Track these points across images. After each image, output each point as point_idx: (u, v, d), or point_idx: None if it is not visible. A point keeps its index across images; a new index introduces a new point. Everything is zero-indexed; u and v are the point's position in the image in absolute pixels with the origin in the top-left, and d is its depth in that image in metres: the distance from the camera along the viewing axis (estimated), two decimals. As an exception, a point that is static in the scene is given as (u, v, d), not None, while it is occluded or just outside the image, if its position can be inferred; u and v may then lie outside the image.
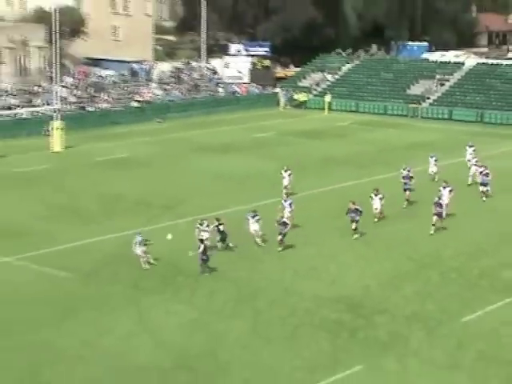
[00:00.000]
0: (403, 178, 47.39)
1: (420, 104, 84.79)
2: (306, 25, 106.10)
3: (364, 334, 30.08)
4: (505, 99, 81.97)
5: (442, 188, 44.10)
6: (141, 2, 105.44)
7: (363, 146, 66.95)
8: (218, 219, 38.90)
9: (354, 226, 40.69)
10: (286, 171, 49.33)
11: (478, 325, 31.05)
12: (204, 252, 35.78)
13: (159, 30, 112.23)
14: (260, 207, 42.27)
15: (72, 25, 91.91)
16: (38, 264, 37.21)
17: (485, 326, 30.94)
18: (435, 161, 53.26)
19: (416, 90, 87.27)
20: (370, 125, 78.06)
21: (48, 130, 65.55)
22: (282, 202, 42.53)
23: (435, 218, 41.57)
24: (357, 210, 40.55)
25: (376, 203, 43.18)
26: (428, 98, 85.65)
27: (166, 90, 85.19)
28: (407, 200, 46.56)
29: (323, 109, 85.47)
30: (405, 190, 46.96)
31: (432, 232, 41.44)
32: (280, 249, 38.85)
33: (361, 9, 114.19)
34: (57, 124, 64.05)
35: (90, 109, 76.42)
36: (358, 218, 40.56)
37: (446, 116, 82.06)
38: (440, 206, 41.76)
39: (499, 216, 45.52)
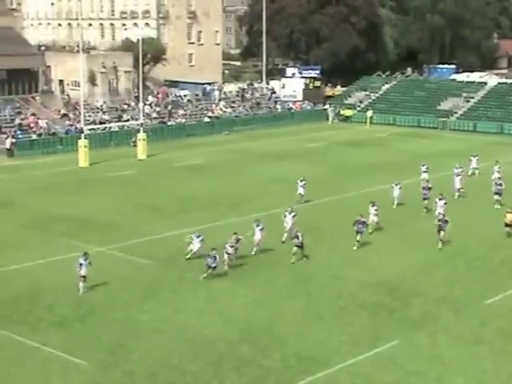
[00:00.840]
0: (423, 188, 45.48)
1: (449, 118, 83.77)
2: (351, 51, 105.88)
3: (400, 314, 29.80)
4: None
5: (437, 200, 41.97)
6: (212, 33, 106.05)
7: (399, 154, 66.30)
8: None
9: (358, 237, 37.40)
10: (301, 181, 46.41)
11: (499, 306, 30.56)
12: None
13: (227, 56, 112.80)
14: (312, 205, 41.90)
15: (154, 52, 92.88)
16: (124, 252, 37.49)
17: (505, 307, 30.44)
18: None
19: (445, 105, 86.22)
20: (405, 136, 77.27)
21: (134, 141, 66.14)
22: (286, 213, 38.91)
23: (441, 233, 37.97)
24: (364, 222, 37.67)
25: (371, 216, 40.14)
26: (455, 113, 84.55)
27: (232, 107, 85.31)
28: (426, 208, 44.50)
29: (365, 122, 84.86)
30: (424, 199, 44.88)
31: (440, 246, 37.86)
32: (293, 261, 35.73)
33: (398, 37, 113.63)
34: (141, 136, 64.50)
35: (169, 123, 76.85)
36: (363, 229, 37.58)
37: (471, 128, 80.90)
38: (439, 220, 38.38)
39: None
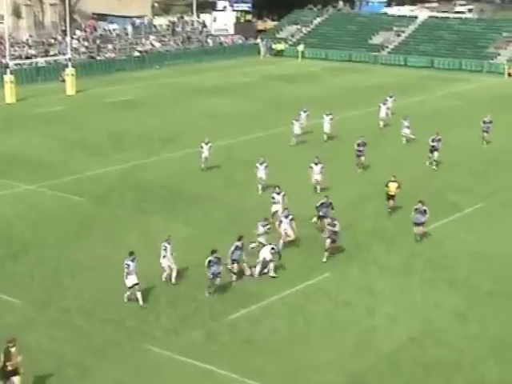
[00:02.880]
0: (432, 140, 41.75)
1: (380, 52, 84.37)
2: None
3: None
4: (452, 48, 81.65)
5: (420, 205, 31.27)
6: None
7: (331, 89, 66.74)
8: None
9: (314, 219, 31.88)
10: (261, 163, 37.25)
11: (428, 237, 31.48)
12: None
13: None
14: (242, 141, 42.22)
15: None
16: (55, 190, 37.25)
17: (433, 238, 31.41)
18: (393, 100, 53.46)
19: (376, 40, 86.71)
20: (337, 70, 77.66)
21: (62, 77, 65.07)
22: (274, 195, 32.75)
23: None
24: (331, 203, 31.80)
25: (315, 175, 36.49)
26: (387, 47, 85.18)
27: (162, 41, 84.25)
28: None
29: (297, 57, 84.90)
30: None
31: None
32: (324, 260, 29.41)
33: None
34: (70, 71, 63.39)
35: (98, 58, 75.57)
36: (326, 209, 31.40)
37: (401, 62, 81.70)
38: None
39: (446, 148, 45.66)
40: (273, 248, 27.61)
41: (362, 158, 40.67)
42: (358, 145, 40.60)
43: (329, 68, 79.09)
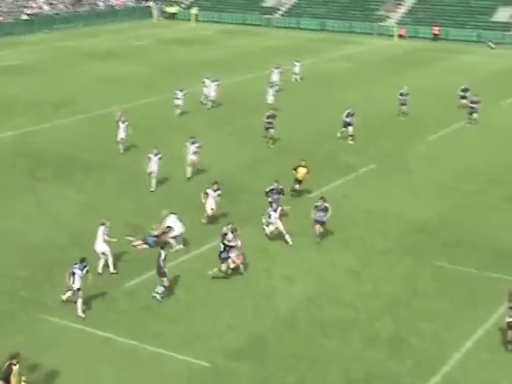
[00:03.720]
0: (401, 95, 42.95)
1: (272, 15, 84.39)
2: None
3: (228, 210, 30.27)
4: (343, 10, 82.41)
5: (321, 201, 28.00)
6: None
7: (225, 52, 66.48)
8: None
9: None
10: (192, 143, 33.86)
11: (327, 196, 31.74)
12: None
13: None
14: (137, 106, 41.64)
15: None
16: None
17: (328, 199, 31.61)
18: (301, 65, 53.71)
19: (269, 2, 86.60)
20: (230, 33, 77.36)
21: None
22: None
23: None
24: (282, 190, 29.96)
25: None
26: (279, 10, 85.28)
27: (51, 4, 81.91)
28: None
29: (190, 20, 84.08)
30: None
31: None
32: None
33: None
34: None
35: (-16, 21, 73.04)
36: (277, 197, 29.47)
37: (294, 25, 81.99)
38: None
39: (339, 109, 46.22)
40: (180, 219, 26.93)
41: (272, 131, 38.62)
42: (268, 117, 38.77)
43: (223, 31, 78.67)
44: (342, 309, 23.22)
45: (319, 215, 27.61)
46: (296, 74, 53.84)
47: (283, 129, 40.30)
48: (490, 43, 72.03)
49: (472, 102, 44.21)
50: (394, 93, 47.31)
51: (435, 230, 29.16)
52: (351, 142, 39.89)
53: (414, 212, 30.82)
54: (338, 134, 40.51)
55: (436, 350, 21.02)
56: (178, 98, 44.06)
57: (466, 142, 40.47)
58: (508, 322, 21.03)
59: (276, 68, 50.78)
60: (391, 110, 46.02)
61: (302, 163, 31.61)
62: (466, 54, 67.29)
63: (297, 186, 31.93)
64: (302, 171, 31.56)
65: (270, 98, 44.64)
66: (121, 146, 36.99)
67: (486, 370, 20.17)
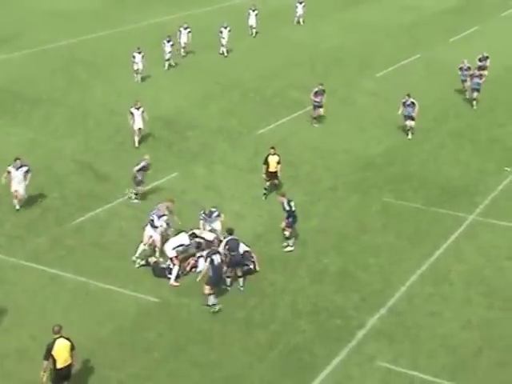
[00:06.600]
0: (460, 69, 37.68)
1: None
2: None
3: (178, 147, 30.20)
4: None
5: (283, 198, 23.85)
6: None
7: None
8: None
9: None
10: (138, 108, 29.79)
11: (271, 135, 31.69)
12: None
13: None
14: (85, 40, 40.59)
15: None
16: None
17: (276, 136, 31.60)
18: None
19: None
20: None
21: None
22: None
23: None
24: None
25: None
26: None
27: None
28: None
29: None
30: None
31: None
32: None
33: None
34: None
35: None
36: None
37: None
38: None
39: (291, 46, 45.80)
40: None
41: (321, 110, 33.21)
42: (315, 94, 33.11)
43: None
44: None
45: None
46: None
47: (233, 68, 39.92)
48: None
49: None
50: (341, 29, 46.85)
51: (382, 166, 29.26)
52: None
53: (362, 149, 30.86)
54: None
55: (382, 284, 21.20)
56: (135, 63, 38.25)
57: (414, 78, 40.44)
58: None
59: (253, 10, 48.30)
60: (339, 46, 45.70)
61: (272, 151, 26.29)
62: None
63: (268, 184, 26.44)
64: (273, 161, 26.27)
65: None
66: (136, 139, 30.09)
67: (431, 302, 20.42)
